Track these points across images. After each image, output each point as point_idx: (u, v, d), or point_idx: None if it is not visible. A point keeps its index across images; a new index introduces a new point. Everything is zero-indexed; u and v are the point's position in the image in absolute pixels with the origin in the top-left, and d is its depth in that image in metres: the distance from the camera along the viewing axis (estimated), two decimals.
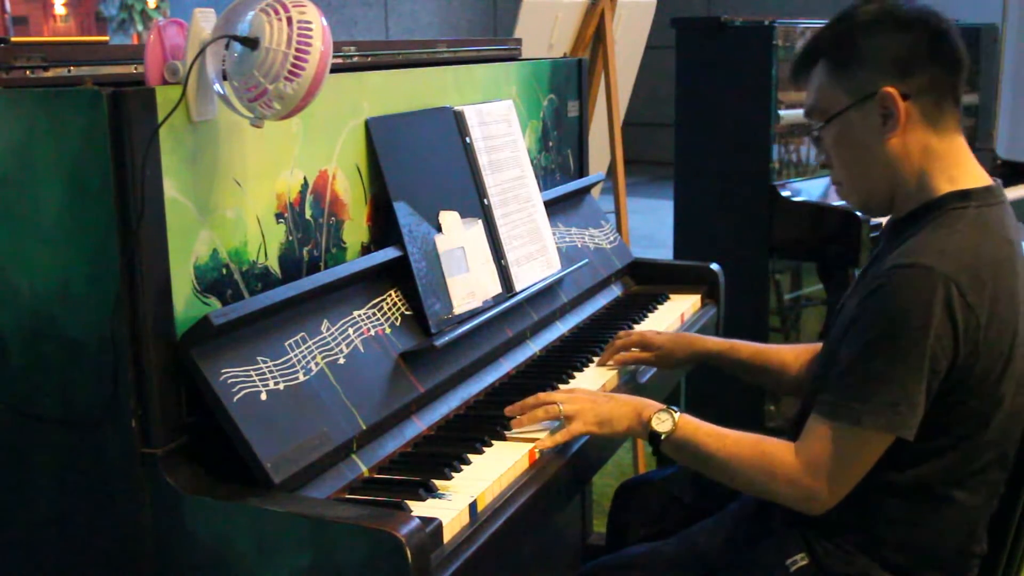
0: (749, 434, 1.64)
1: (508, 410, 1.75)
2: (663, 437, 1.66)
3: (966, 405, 1.54)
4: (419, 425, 1.73)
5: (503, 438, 1.71)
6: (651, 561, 1.76)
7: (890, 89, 1.58)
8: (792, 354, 2.00)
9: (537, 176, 2.33)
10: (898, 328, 1.50)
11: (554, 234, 2.31)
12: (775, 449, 1.59)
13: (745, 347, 2.04)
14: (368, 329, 1.70)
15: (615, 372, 2.06)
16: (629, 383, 2.07)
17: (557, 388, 1.95)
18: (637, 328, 2.30)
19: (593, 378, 2.02)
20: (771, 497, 1.61)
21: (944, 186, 1.60)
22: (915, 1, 1.64)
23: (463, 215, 1.99)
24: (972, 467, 1.59)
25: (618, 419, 1.70)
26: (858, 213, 3.55)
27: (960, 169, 1.61)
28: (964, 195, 1.59)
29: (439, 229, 1.91)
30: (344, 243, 1.77)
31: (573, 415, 1.70)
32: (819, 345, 2.03)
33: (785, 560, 1.64)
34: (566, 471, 1.71)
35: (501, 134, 2.20)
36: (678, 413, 1.67)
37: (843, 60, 1.63)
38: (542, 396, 1.75)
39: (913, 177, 1.62)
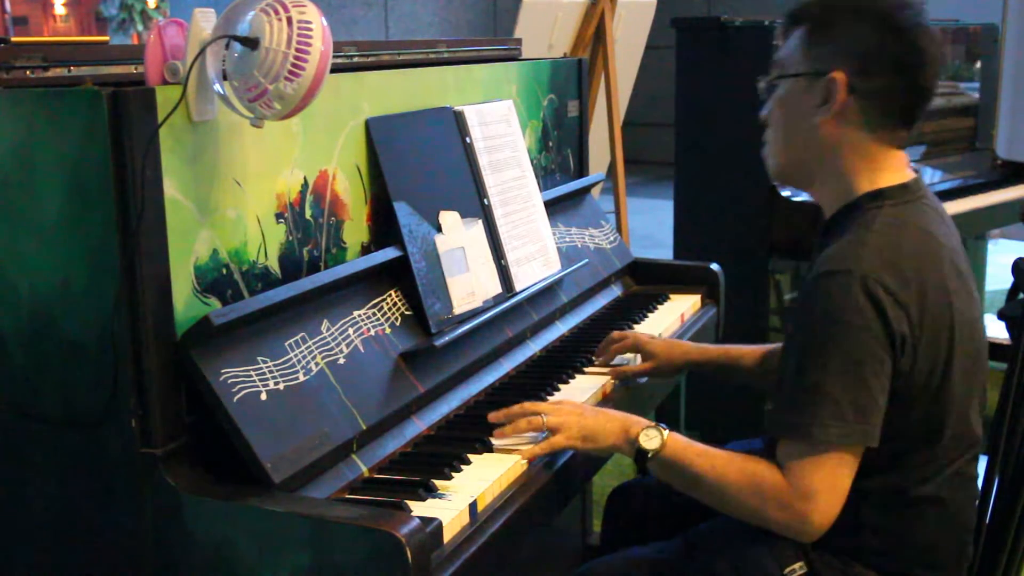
0: (739, 455, 1.60)
1: (492, 417, 1.71)
2: (650, 455, 1.62)
3: (918, 406, 1.54)
4: (419, 425, 1.73)
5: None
6: (649, 565, 1.75)
7: (839, 75, 1.59)
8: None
9: (537, 176, 2.33)
10: (827, 335, 1.50)
11: (554, 234, 2.31)
12: (765, 471, 1.55)
13: (739, 351, 2.04)
14: (368, 329, 1.70)
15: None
16: (629, 384, 2.07)
17: (558, 389, 1.95)
18: (636, 328, 2.30)
19: (592, 379, 2.02)
20: (762, 523, 1.57)
21: (863, 187, 1.62)
22: (919, 11, 1.62)
23: (463, 215, 1.99)
24: (939, 464, 1.58)
25: (604, 435, 1.66)
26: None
27: (881, 171, 1.62)
28: (877, 195, 1.60)
29: (439, 229, 1.91)
30: (344, 243, 1.77)
31: (557, 428, 1.66)
32: None
33: (783, 569, 1.63)
34: (566, 471, 1.71)
35: (501, 134, 2.20)
36: (667, 431, 1.63)
37: (820, 33, 1.63)
38: (528, 406, 1.71)
39: (835, 171, 1.63)
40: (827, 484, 1.51)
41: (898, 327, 1.50)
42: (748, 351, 2.04)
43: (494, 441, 1.68)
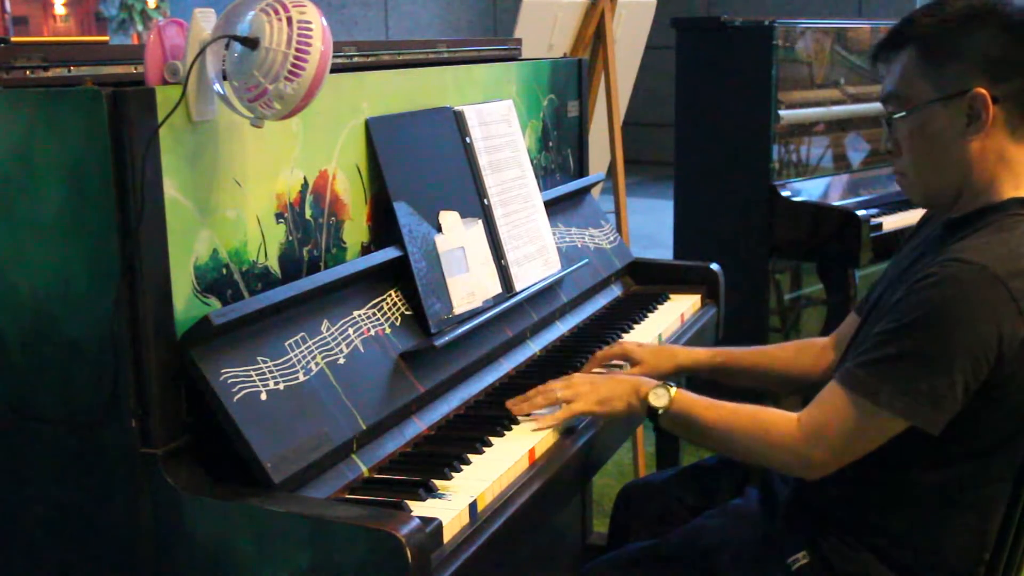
0: (746, 405, 1.67)
1: (510, 403, 1.79)
2: (660, 411, 1.70)
3: (1006, 411, 1.53)
4: (419, 425, 1.73)
5: (503, 437, 1.71)
6: (652, 559, 1.76)
7: (982, 90, 1.54)
8: (780, 351, 2.00)
9: (537, 176, 2.33)
10: (938, 317, 1.48)
11: (554, 234, 2.31)
12: (773, 417, 1.62)
13: (730, 353, 2.04)
14: (368, 329, 1.70)
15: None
16: None
17: None
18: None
19: None
20: (768, 463, 1.66)
21: (1009, 192, 1.58)
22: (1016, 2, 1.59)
23: (463, 215, 1.99)
24: (999, 474, 1.57)
25: (617, 397, 1.75)
26: (859, 213, 3.55)
27: (1022, 176, 1.59)
28: (1023, 202, 1.57)
29: (439, 229, 1.91)
30: (344, 243, 1.77)
31: (573, 398, 1.76)
32: (808, 340, 2.03)
33: (786, 559, 1.64)
34: (566, 471, 1.71)
35: (501, 134, 2.20)
36: (674, 388, 1.71)
37: (936, 51, 1.57)
38: (541, 388, 1.79)
39: (982, 181, 1.59)
40: (848, 437, 1.54)
41: (1011, 338, 1.48)
42: (740, 352, 2.04)
43: (516, 415, 1.77)
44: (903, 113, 1.61)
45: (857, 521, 1.61)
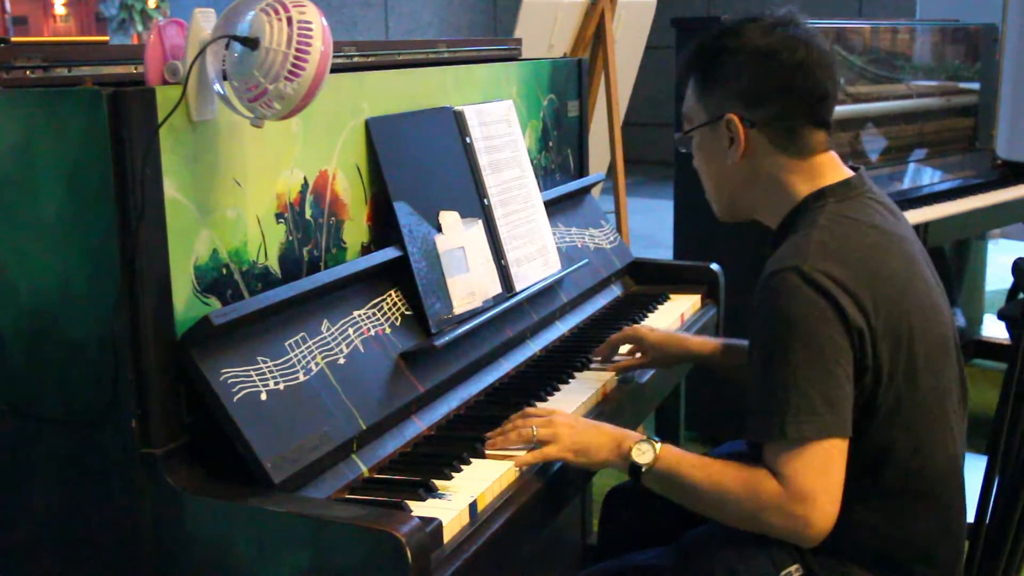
0: (734, 463, 1.58)
1: (487, 439, 1.68)
2: (644, 469, 1.59)
3: (890, 397, 1.55)
4: (419, 425, 1.73)
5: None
6: (645, 572, 1.75)
7: (733, 116, 1.65)
8: None
9: (537, 176, 2.33)
10: (787, 333, 1.51)
11: (554, 234, 2.31)
12: (762, 478, 1.53)
13: (739, 344, 2.05)
14: (368, 329, 1.70)
15: (613, 373, 2.06)
16: (629, 383, 2.07)
17: (558, 389, 1.94)
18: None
19: (592, 379, 2.02)
20: (764, 530, 1.55)
21: (804, 190, 1.65)
22: (791, 21, 1.66)
23: (463, 215, 1.99)
24: (922, 456, 1.58)
25: (596, 449, 1.64)
26: None
27: (817, 176, 1.65)
28: (820, 194, 1.64)
29: (439, 229, 1.91)
30: (344, 243, 1.77)
31: (548, 439, 1.64)
32: None
33: (779, 572, 1.63)
34: (567, 471, 1.71)
35: (501, 134, 2.20)
36: (659, 444, 1.60)
37: (704, 78, 1.70)
38: (518, 421, 1.69)
39: (772, 194, 1.68)
40: (821, 482, 1.51)
41: (853, 316, 1.51)
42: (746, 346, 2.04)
43: (487, 451, 1.66)
44: (681, 134, 1.76)
45: (833, 536, 1.58)
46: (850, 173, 1.67)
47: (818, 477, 1.51)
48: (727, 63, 1.66)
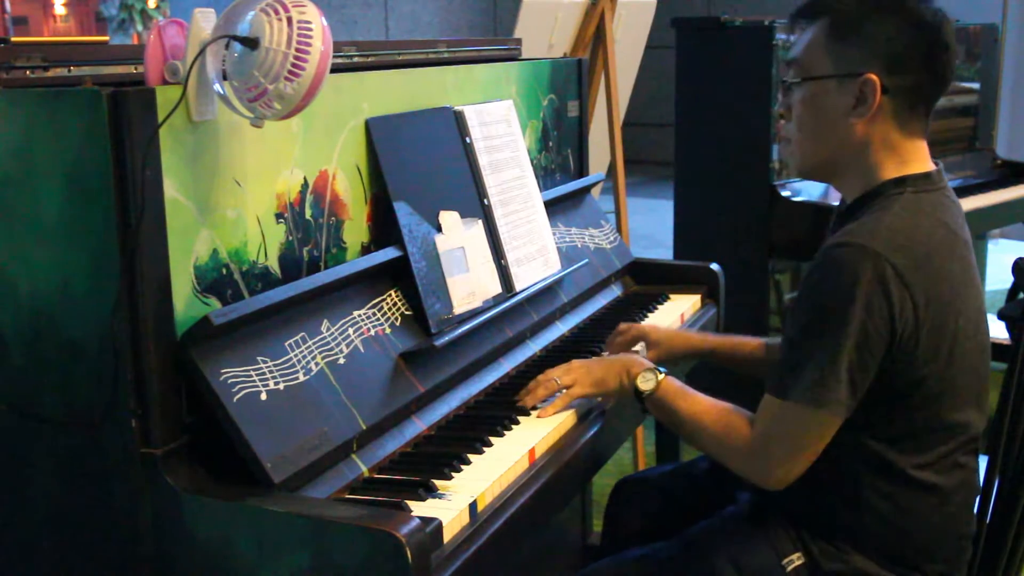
0: (722, 404, 1.69)
1: (519, 398, 1.83)
2: (645, 395, 1.76)
3: (921, 391, 1.56)
4: (419, 425, 1.73)
5: (503, 437, 1.72)
6: (648, 564, 1.76)
7: (874, 77, 1.58)
8: None
9: (537, 176, 2.33)
10: (826, 305, 1.53)
11: (554, 234, 2.31)
12: (738, 423, 1.64)
13: (743, 340, 2.07)
14: (368, 329, 1.70)
15: None
16: None
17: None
18: None
19: None
20: (730, 467, 1.67)
21: (888, 174, 1.63)
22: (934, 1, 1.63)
23: (463, 215, 1.99)
24: (937, 451, 1.60)
25: (611, 377, 1.82)
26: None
27: (907, 161, 1.64)
28: (900, 181, 1.62)
29: (439, 229, 1.91)
30: (344, 243, 1.77)
31: (572, 383, 1.82)
32: None
33: (781, 560, 1.64)
34: (566, 471, 1.71)
35: (501, 134, 2.20)
36: (663, 374, 1.76)
37: (844, 29, 1.61)
38: (541, 377, 1.84)
39: (863, 164, 1.64)
40: (784, 441, 1.57)
41: (901, 308, 1.51)
42: (752, 340, 2.06)
43: (527, 404, 1.82)
44: (799, 81, 1.66)
45: (837, 524, 1.62)
46: (933, 166, 1.66)
47: (792, 443, 1.57)
48: (879, 21, 1.59)
